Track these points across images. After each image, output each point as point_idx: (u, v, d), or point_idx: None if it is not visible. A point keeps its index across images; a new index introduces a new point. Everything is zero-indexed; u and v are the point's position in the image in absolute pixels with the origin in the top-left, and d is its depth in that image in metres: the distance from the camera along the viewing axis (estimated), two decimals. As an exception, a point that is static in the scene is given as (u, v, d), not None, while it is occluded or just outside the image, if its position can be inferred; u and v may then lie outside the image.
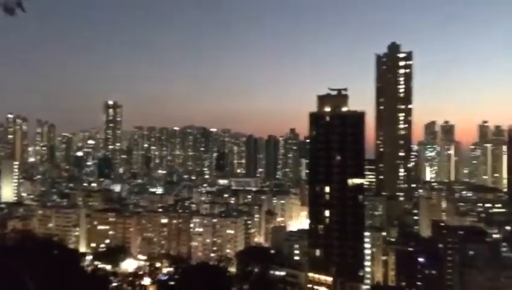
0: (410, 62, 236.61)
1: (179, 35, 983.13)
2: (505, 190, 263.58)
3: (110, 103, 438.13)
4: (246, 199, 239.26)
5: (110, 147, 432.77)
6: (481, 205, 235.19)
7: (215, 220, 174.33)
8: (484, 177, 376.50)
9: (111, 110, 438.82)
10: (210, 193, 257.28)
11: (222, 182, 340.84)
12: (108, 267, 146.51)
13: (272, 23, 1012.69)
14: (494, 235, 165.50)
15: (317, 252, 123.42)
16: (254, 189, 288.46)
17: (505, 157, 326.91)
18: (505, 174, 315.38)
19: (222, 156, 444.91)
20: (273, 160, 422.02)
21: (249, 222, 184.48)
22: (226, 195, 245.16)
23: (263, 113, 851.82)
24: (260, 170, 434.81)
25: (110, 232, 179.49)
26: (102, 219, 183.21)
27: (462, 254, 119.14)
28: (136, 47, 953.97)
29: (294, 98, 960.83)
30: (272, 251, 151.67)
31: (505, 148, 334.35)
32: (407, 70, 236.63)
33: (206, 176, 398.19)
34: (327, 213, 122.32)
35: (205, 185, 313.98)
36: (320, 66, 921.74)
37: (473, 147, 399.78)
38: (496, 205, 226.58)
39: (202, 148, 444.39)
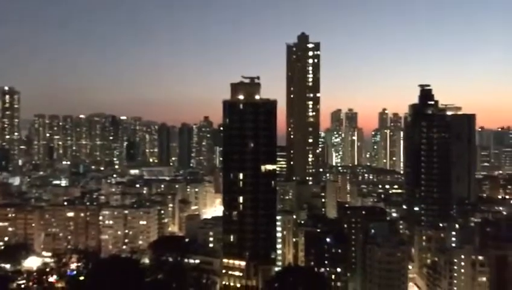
0: (318, 52, 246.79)
1: (87, 19, 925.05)
2: (402, 172, 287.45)
3: (6, 88, 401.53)
4: (159, 189, 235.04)
5: (7, 136, 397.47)
6: (381, 186, 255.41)
7: (126, 212, 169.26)
8: (384, 161, 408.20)
9: (7, 97, 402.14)
10: (120, 183, 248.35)
11: (133, 172, 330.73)
12: (8, 266, 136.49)
13: (183, 12, 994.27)
14: (393, 214, 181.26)
15: (232, 238, 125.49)
16: (167, 178, 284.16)
17: (401, 142, 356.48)
18: (401, 158, 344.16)
19: (133, 145, 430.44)
20: (187, 148, 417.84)
21: (163, 211, 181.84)
22: (137, 185, 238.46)
23: (176, 101, 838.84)
24: (173, 158, 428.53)
25: (10, 229, 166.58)
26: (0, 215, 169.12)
27: (364, 232, 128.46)
28: (38, 29, 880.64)
29: (208, 86, 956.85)
30: (186, 240, 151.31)
31: (401, 133, 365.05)
32: (315, 61, 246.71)
33: (116, 166, 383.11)
34: (241, 199, 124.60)
35: (115, 175, 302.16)
36: (234, 55, 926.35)
37: (374, 133, 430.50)
38: (394, 187, 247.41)
39: (111, 137, 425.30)
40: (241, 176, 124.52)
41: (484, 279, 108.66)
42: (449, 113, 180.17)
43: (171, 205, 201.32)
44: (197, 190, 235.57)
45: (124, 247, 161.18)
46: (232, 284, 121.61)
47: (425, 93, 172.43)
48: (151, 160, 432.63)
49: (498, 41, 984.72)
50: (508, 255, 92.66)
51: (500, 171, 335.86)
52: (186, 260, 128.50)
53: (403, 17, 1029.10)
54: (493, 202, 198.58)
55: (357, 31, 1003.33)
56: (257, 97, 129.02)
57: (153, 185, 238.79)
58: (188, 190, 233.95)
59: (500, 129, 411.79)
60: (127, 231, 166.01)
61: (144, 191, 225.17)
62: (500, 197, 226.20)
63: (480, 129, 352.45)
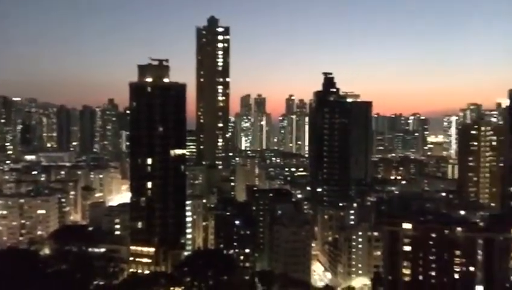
0: (228, 37, 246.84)
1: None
2: (307, 155, 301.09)
3: None
4: (59, 175, 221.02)
5: None
6: (287, 169, 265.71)
7: (22, 201, 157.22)
8: (290, 145, 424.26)
9: None
10: (15, 170, 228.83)
11: (29, 157, 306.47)
12: None
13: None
14: (298, 195, 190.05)
15: (140, 225, 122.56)
16: (68, 164, 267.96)
17: (306, 127, 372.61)
18: (306, 142, 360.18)
19: (28, 128, 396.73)
20: (90, 132, 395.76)
21: (63, 199, 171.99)
22: (34, 172, 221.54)
23: (77, 83, 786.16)
24: (74, 143, 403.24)
25: None
26: None
27: (271, 214, 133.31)
28: None
29: (113, 68, 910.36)
30: (90, 228, 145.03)
31: (307, 119, 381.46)
32: (225, 45, 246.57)
33: (10, 152, 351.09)
34: (149, 185, 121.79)
35: (8, 161, 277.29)
36: (142, 36, 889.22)
37: (281, 118, 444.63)
38: (299, 169, 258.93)
39: (3, 120, 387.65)
40: (149, 161, 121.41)
41: (379, 253, 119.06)
42: (349, 100, 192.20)
43: (72, 192, 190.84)
44: (101, 176, 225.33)
45: (21, 238, 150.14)
46: (140, 271, 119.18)
47: (328, 81, 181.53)
48: (49, 145, 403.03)
49: (393, 33, 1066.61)
50: (399, 230, 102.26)
51: (393, 154, 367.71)
52: (91, 249, 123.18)
53: (311, 7, 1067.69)
54: (387, 183, 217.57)
55: (267, 18, 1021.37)
56: (166, 80, 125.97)
57: (52, 172, 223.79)
58: (92, 176, 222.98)
59: (393, 116, 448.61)
60: (23, 221, 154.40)
61: (42, 179, 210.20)
62: (392, 178, 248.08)
63: (376, 115, 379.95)
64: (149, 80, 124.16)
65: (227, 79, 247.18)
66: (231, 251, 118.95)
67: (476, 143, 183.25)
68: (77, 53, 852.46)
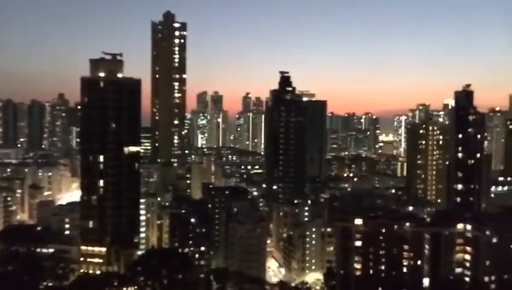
0: (185, 33, 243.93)
1: None
2: (263, 153, 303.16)
3: None
4: (4, 173, 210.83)
5: None
6: (243, 167, 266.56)
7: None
8: (246, 142, 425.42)
9: None
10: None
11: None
12: None
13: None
14: (254, 193, 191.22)
15: (91, 224, 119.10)
16: (15, 161, 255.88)
17: (263, 125, 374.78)
18: (263, 140, 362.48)
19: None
20: (38, 128, 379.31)
21: (9, 198, 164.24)
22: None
23: (24, 76, 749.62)
24: (22, 139, 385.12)
25: None
26: None
27: (227, 211, 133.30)
28: None
29: (64, 62, 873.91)
30: (39, 228, 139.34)
31: (263, 117, 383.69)
32: (182, 41, 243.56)
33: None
34: (101, 183, 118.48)
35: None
36: (95, 30, 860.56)
37: (238, 116, 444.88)
38: (256, 167, 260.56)
39: None
40: (101, 158, 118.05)
41: (332, 248, 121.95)
42: (305, 99, 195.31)
43: (19, 190, 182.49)
44: (50, 174, 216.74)
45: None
46: (91, 271, 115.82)
47: (285, 80, 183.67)
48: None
49: (346, 34, 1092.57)
50: (351, 226, 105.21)
51: (346, 152, 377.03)
52: (39, 250, 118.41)
53: (270, 6, 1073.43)
54: (340, 180, 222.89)
55: (225, 15, 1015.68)
56: (120, 75, 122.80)
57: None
58: (40, 174, 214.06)
59: (346, 115, 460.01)
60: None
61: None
62: (345, 175, 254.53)
63: (330, 114, 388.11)
64: (102, 74, 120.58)
65: (184, 75, 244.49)
66: (186, 249, 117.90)
67: (424, 142, 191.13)
68: (25, 44, 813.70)
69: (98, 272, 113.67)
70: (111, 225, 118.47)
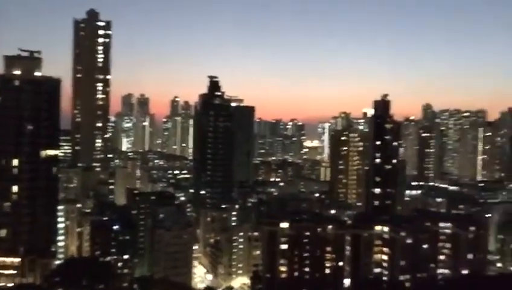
0: (109, 32, 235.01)
1: None
2: (191, 158, 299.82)
3: None
4: None
5: None
6: (171, 172, 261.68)
7: None
8: (174, 147, 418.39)
9: None
10: None
11: None
12: None
13: None
14: (181, 198, 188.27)
15: (3, 233, 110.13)
16: None
17: (191, 130, 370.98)
18: (191, 144, 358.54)
19: None
20: None
21: None
22: None
23: None
24: None
25: None
26: None
27: (153, 217, 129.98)
28: None
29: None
30: None
31: (191, 121, 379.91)
32: (106, 40, 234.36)
33: None
34: (15, 189, 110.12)
35: None
36: (11, 26, 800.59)
37: (166, 119, 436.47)
38: (183, 172, 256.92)
39: None
40: (15, 162, 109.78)
41: (258, 252, 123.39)
42: (233, 104, 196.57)
43: None
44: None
45: None
46: (3, 284, 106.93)
47: (214, 85, 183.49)
48: None
49: (275, 42, 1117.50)
50: (277, 230, 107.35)
51: (273, 157, 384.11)
52: None
53: (199, 10, 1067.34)
54: (267, 184, 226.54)
55: (154, 17, 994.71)
56: (38, 74, 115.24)
57: None
58: None
59: (274, 121, 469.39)
60: None
61: None
62: (272, 179, 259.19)
63: (258, 120, 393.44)
64: (17, 72, 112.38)
65: (108, 76, 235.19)
66: (108, 258, 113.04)
67: (345, 148, 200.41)
68: None
69: (11, 285, 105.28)
70: (26, 234, 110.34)
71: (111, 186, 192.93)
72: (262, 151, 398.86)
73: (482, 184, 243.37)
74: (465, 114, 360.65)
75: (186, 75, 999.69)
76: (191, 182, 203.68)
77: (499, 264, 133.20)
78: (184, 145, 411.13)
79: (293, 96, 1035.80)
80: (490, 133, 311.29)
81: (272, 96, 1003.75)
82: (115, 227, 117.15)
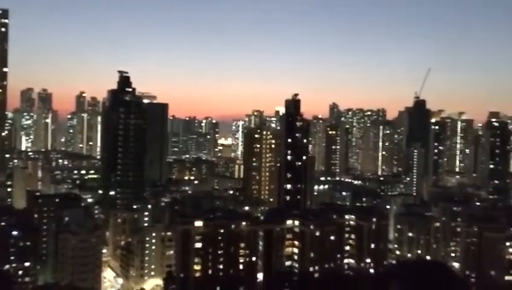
0: (6, 21, 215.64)
1: None
2: (99, 157, 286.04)
3: None
4: None
5: None
6: (77, 172, 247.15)
7: None
8: (80, 145, 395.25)
9: None
10: None
11: None
12: None
13: None
14: (89, 200, 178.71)
15: None
16: None
17: (99, 127, 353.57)
18: (99, 143, 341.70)
19: None
20: None
21: None
22: None
23: None
24: None
25: None
26: None
27: (57, 221, 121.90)
28: None
29: None
30: None
31: (99, 118, 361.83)
32: (3, 30, 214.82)
33: None
34: None
35: None
36: None
37: (70, 116, 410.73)
38: (90, 172, 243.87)
39: None
40: None
41: (171, 252, 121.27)
42: (145, 101, 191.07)
43: None
44: None
45: None
46: None
47: (124, 80, 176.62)
48: None
49: (189, 39, 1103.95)
50: (191, 228, 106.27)
51: (187, 156, 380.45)
52: None
53: (106, 3, 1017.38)
54: (181, 183, 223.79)
55: (57, 8, 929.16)
56: None
57: None
58: None
59: (188, 118, 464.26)
60: None
61: None
62: (186, 178, 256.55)
63: (171, 118, 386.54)
64: None
65: (5, 69, 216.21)
66: (7, 266, 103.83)
67: (258, 145, 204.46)
68: None
69: None
70: None
71: (9, 189, 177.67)
72: (176, 149, 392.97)
73: (382, 178, 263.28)
74: (367, 113, 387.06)
75: (93, 69, 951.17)
76: (100, 182, 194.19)
77: (397, 252, 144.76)
78: (91, 143, 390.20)
79: (208, 94, 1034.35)
80: (389, 131, 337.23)
81: (186, 93, 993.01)
82: (14, 233, 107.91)
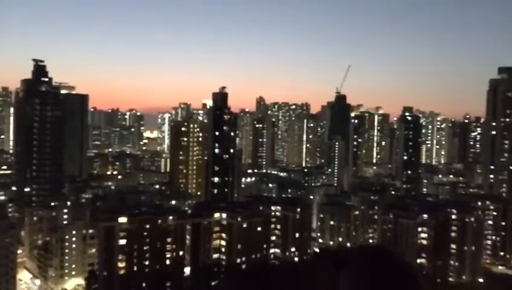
0: None
1: None
2: (12, 151, 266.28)
3: None
4: None
5: None
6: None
7: None
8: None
9: None
10: None
11: None
12: None
13: None
14: (1, 197, 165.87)
15: None
16: None
17: (11, 119, 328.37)
18: (11, 136, 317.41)
19: None
20: None
21: None
22: None
23: None
24: None
25: None
26: None
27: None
28: None
29: None
30: None
31: (12, 110, 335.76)
32: None
33: None
34: None
35: None
36: None
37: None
38: (2, 167, 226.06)
39: None
40: None
41: (94, 250, 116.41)
42: (63, 91, 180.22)
43: None
44: None
45: None
46: None
47: (39, 69, 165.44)
48: None
49: (107, 29, 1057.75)
50: (114, 225, 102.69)
51: (110, 150, 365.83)
52: None
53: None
54: (103, 178, 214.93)
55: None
56: None
57: None
58: None
59: (110, 110, 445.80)
60: None
61: None
62: (109, 173, 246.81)
63: (92, 109, 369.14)
64: None
65: None
66: None
67: (185, 139, 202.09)
68: None
69: None
70: None
71: None
72: (98, 143, 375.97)
73: (306, 170, 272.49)
74: (292, 107, 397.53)
75: (5, 57, 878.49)
76: (13, 178, 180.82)
77: (320, 240, 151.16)
78: (3, 137, 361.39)
79: (132, 86, 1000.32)
80: (313, 125, 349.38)
81: (108, 85, 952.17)
82: None
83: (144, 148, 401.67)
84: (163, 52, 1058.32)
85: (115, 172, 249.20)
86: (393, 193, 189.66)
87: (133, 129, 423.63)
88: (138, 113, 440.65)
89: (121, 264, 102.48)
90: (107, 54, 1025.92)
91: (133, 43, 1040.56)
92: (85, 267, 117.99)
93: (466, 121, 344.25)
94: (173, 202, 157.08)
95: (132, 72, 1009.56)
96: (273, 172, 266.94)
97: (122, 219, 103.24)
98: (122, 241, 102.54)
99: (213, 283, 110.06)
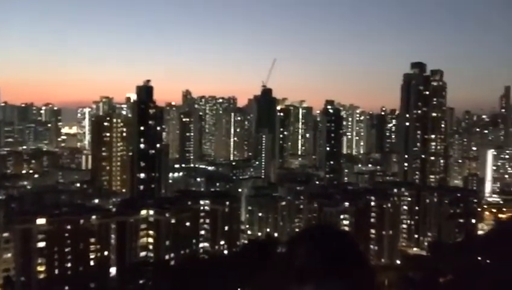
0: None
1: None
2: None
3: None
4: None
5: None
6: None
7: None
8: None
9: None
10: None
11: None
12: None
13: None
14: None
15: None
16: None
17: None
18: None
19: None
20: None
21: None
22: None
23: None
24: None
25: None
26: None
27: None
28: None
29: None
30: None
31: None
32: None
33: None
34: None
35: None
36: None
37: None
38: None
39: None
40: None
41: (9, 255, 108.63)
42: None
43: None
44: None
45: None
46: None
47: None
48: None
49: (26, 19, 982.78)
50: (32, 227, 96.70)
51: (25, 147, 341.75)
52: None
53: None
54: (18, 178, 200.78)
55: None
56: None
57: None
58: None
59: (24, 105, 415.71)
60: None
61: None
62: (24, 172, 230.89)
63: (3, 104, 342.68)
64: None
65: None
66: None
67: (108, 134, 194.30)
68: None
69: None
70: None
71: None
72: (10, 140, 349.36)
73: (234, 163, 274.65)
74: (219, 100, 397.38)
75: None
76: None
77: (249, 232, 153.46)
78: None
79: (48, 79, 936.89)
80: (240, 118, 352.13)
81: (21, 77, 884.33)
82: None
83: (63, 144, 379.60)
84: (82, 44, 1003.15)
85: (30, 171, 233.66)
86: (317, 182, 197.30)
87: (49, 125, 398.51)
88: (55, 108, 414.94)
89: (41, 268, 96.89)
90: (21, 46, 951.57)
91: (48, 33, 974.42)
92: (0, 273, 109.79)
93: (382, 113, 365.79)
94: (96, 201, 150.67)
95: (49, 64, 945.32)
96: (201, 166, 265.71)
97: (41, 220, 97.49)
98: (41, 244, 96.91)
99: (141, 281, 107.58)
